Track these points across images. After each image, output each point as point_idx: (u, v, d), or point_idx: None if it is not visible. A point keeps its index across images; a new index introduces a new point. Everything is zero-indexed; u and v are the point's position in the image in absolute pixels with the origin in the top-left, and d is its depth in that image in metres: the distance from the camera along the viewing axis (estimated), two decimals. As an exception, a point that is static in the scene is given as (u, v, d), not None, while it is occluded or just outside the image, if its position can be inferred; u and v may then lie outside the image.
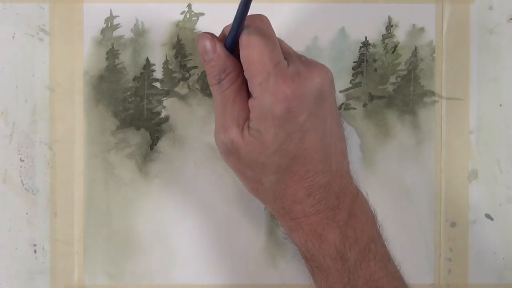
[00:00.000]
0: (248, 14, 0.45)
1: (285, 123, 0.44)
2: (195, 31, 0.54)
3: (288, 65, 0.45)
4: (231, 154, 0.47)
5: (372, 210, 0.48)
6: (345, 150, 0.48)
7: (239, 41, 0.45)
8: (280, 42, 0.47)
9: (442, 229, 0.54)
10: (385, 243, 0.48)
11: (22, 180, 0.53)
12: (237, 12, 0.44)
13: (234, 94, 0.46)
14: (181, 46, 0.54)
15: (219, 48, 0.46)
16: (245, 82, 0.46)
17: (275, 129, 0.44)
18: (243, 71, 0.46)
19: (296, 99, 0.44)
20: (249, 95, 0.46)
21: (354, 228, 0.46)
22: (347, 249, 0.45)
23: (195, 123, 0.54)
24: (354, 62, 0.54)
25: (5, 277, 0.53)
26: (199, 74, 0.54)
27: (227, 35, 0.46)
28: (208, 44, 0.46)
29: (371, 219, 0.48)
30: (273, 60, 0.44)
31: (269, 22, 0.47)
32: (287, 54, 0.46)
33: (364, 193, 0.48)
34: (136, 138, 0.54)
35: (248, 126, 0.45)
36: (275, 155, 0.45)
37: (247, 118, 0.46)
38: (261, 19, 0.46)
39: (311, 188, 0.46)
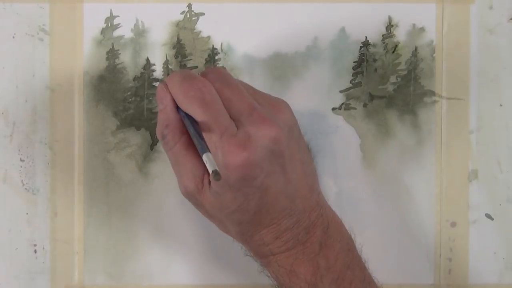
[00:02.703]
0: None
1: (242, 188, 0.43)
2: (195, 31, 0.54)
3: (238, 128, 0.43)
4: (197, 205, 0.47)
5: (348, 234, 0.47)
6: (314, 183, 0.47)
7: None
8: (234, 94, 0.44)
9: (442, 229, 0.54)
10: (365, 265, 0.47)
11: (22, 180, 0.53)
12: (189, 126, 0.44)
13: (183, 153, 0.45)
14: (181, 46, 0.54)
15: (168, 101, 0.45)
16: (187, 136, 0.45)
17: (232, 193, 0.43)
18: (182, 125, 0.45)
19: (248, 166, 0.42)
20: (193, 146, 0.45)
21: (327, 257, 0.45)
22: (319, 281, 0.44)
23: (195, 123, 0.54)
24: (354, 62, 0.54)
25: (5, 277, 0.53)
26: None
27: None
28: (160, 92, 0.45)
29: (346, 245, 0.47)
30: (218, 131, 0.43)
31: (223, 77, 0.45)
32: (238, 114, 0.44)
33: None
34: (136, 138, 0.54)
35: (209, 183, 0.45)
36: (235, 213, 0.44)
37: (204, 174, 0.45)
38: (213, 75, 0.45)
39: (277, 232, 0.45)
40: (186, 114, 0.44)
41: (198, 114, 0.43)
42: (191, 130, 0.43)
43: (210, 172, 0.40)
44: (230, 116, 0.44)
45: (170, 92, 0.44)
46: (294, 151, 0.45)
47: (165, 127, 0.45)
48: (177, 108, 0.45)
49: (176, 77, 0.45)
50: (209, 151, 0.41)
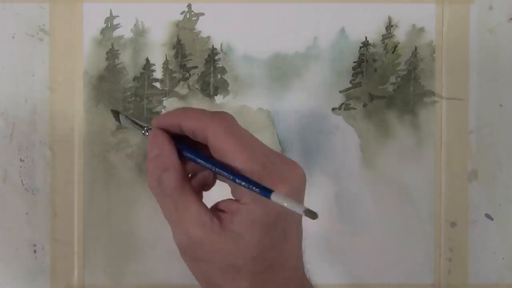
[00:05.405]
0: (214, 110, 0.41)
1: (271, 230, 0.40)
2: (195, 31, 0.54)
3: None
4: (198, 259, 0.42)
5: None
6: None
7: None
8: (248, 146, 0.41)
9: (442, 229, 0.54)
10: None
11: (22, 180, 0.53)
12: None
13: (184, 198, 0.41)
14: (181, 46, 0.54)
15: (165, 145, 0.41)
16: (187, 180, 0.42)
17: (260, 235, 0.40)
18: (183, 169, 0.41)
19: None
20: (194, 190, 0.42)
21: None
22: None
23: (195, 123, 0.54)
24: (354, 62, 0.54)
25: (5, 277, 0.53)
26: (199, 74, 0.54)
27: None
28: (152, 139, 0.41)
29: None
30: (260, 167, 0.39)
31: (229, 122, 0.41)
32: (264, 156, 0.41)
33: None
34: (136, 138, 0.54)
35: (223, 227, 0.41)
36: (253, 261, 0.41)
37: (212, 217, 0.41)
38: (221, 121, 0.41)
39: None
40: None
41: (239, 160, 0.40)
42: (232, 177, 0.39)
43: (302, 212, 0.35)
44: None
45: (164, 137, 0.41)
46: (300, 217, 0.43)
47: (163, 171, 0.41)
48: (181, 153, 0.42)
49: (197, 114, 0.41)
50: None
